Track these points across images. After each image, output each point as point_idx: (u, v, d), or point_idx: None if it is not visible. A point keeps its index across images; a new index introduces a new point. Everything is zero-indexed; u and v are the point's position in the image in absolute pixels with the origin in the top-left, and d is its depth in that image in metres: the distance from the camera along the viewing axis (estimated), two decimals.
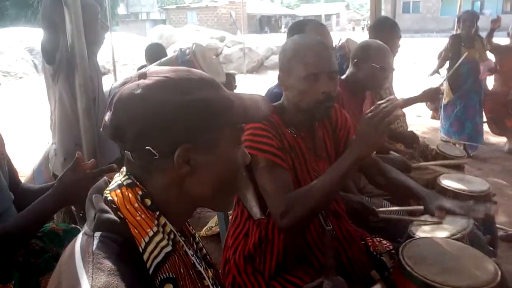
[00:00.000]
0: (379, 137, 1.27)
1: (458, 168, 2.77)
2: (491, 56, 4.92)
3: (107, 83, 2.91)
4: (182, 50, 2.90)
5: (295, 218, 1.35)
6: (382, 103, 1.28)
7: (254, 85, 10.14)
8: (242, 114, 0.84)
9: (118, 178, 0.83)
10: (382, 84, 2.40)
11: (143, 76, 0.79)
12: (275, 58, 15.04)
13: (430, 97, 3.15)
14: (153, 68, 0.83)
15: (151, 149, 0.76)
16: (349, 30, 37.53)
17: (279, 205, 1.37)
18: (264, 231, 1.52)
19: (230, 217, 1.76)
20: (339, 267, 1.51)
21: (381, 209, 2.02)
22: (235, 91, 4.06)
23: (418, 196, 1.64)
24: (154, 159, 0.77)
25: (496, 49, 4.92)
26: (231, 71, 4.64)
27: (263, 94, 2.37)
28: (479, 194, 2.11)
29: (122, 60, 13.31)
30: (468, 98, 4.80)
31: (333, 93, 1.48)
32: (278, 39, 16.83)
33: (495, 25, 4.72)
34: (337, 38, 3.43)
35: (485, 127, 5.23)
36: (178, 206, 0.82)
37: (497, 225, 2.44)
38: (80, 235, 0.77)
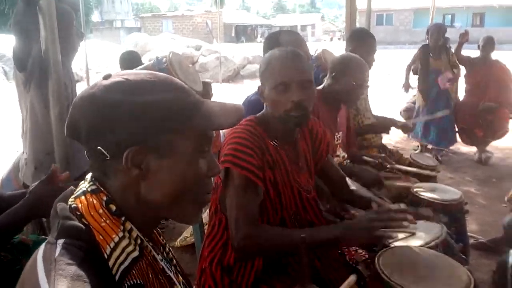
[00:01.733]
0: (368, 238, 1.33)
1: (430, 177, 2.82)
2: (462, 68, 5.07)
3: (80, 91, 2.86)
4: (159, 58, 2.88)
5: (250, 250, 1.39)
6: (396, 214, 1.32)
7: (230, 94, 10.15)
8: (207, 120, 0.80)
9: (83, 185, 0.81)
10: (357, 99, 2.45)
11: (106, 77, 0.79)
12: (251, 68, 15.10)
13: (385, 128, 3.14)
14: (121, 71, 0.82)
15: (102, 149, 0.75)
16: (324, 40, 38.09)
17: (240, 229, 1.38)
18: None
19: (206, 227, 1.74)
20: (314, 276, 1.51)
21: None
22: (211, 99, 4.02)
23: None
24: (107, 160, 0.76)
25: (464, 61, 5.08)
26: (207, 80, 4.62)
27: (241, 102, 2.38)
28: (451, 202, 2.16)
29: (95, 68, 13.13)
30: (434, 106, 4.97)
31: (304, 102, 1.47)
32: (254, 49, 16.92)
33: (463, 39, 4.90)
34: (313, 48, 3.46)
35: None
36: (140, 212, 0.80)
37: (468, 233, 2.49)
38: (43, 245, 0.75)
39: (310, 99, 1.50)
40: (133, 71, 0.82)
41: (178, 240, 3.13)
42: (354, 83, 2.28)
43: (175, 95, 0.79)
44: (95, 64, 13.05)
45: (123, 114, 0.74)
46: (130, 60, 4.25)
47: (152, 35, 19.22)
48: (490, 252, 2.94)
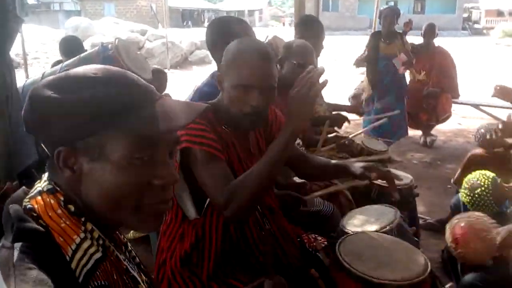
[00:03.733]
0: (309, 108, 1.29)
1: (382, 162, 2.89)
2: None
3: (19, 79, 2.68)
4: (104, 45, 2.76)
5: (238, 205, 1.33)
6: (304, 75, 1.28)
7: (178, 81, 9.96)
8: (145, 123, 0.73)
9: (39, 184, 0.77)
10: None
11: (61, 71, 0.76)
12: (199, 53, 14.89)
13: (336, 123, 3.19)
14: (80, 67, 0.78)
15: (43, 146, 0.74)
16: (272, 26, 38.19)
17: (221, 195, 1.34)
18: (201, 230, 1.49)
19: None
20: (276, 264, 1.51)
21: (307, 197, 2.04)
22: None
23: (344, 167, 1.71)
24: (50, 158, 0.73)
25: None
26: (158, 67, 4.46)
27: (191, 90, 2.29)
28: (403, 186, 2.22)
29: (33, 54, 12.46)
30: (386, 95, 4.87)
31: (263, 107, 1.44)
32: (202, 34, 16.59)
33: (407, 28, 4.96)
34: (263, 34, 3.44)
35: None
36: (94, 212, 0.75)
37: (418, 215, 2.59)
38: None
39: (269, 103, 1.48)
40: (87, 66, 0.77)
41: (131, 231, 3.05)
42: (294, 62, 2.33)
43: (111, 93, 0.72)
44: (32, 49, 12.37)
45: (54, 112, 0.71)
46: (71, 45, 4.01)
47: (94, 19, 18.40)
48: (437, 232, 3.08)
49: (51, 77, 0.75)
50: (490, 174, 2.16)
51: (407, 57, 4.71)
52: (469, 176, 2.25)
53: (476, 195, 2.08)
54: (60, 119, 0.71)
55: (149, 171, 0.75)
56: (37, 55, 12.79)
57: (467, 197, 2.15)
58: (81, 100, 0.71)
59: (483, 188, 2.08)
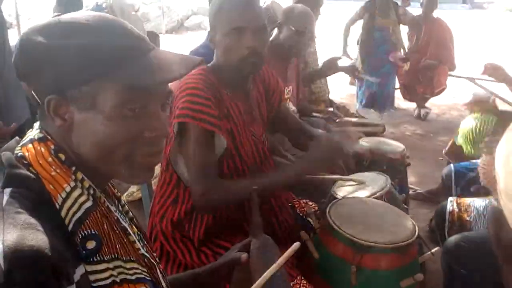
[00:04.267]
0: (333, 159, 1.40)
1: (376, 131, 2.91)
2: (404, 27, 5.06)
3: (12, 38, 2.63)
4: (98, 4, 2.72)
5: (211, 203, 1.41)
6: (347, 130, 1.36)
7: (173, 46, 9.81)
8: (137, 74, 0.71)
9: (30, 133, 0.77)
10: (300, 49, 2.43)
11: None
12: (195, 19, 14.61)
13: (330, 68, 3.10)
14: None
15: (34, 94, 0.72)
16: None
17: (199, 184, 1.38)
18: None
19: (156, 180, 1.69)
20: (268, 229, 1.52)
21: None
22: None
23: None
24: (41, 106, 0.73)
25: (407, 21, 5.08)
26: (153, 30, 4.37)
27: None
28: (395, 156, 2.24)
29: (27, 14, 12.18)
30: (381, 66, 4.75)
31: (259, 48, 1.43)
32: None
33: (406, 3, 4.85)
34: (262, 0, 3.36)
35: (397, 93, 5.51)
36: (85, 162, 0.75)
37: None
38: None
39: (264, 45, 1.47)
40: (80, 12, 0.75)
41: (125, 194, 3.07)
42: (293, 28, 2.32)
43: (103, 41, 0.71)
44: (26, 9, 12.08)
45: (44, 58, 0.70)
46: (71, 4, 3.93)
47: None
48: (427, 202, 3.13)
49: (42, 23, 0.72)
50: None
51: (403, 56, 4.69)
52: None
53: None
54: (50, 66, 0.70)
55: (141, 122, 0.74)
56: (30, 16, 12.52)
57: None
58: (72, 47, 0.70)
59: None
